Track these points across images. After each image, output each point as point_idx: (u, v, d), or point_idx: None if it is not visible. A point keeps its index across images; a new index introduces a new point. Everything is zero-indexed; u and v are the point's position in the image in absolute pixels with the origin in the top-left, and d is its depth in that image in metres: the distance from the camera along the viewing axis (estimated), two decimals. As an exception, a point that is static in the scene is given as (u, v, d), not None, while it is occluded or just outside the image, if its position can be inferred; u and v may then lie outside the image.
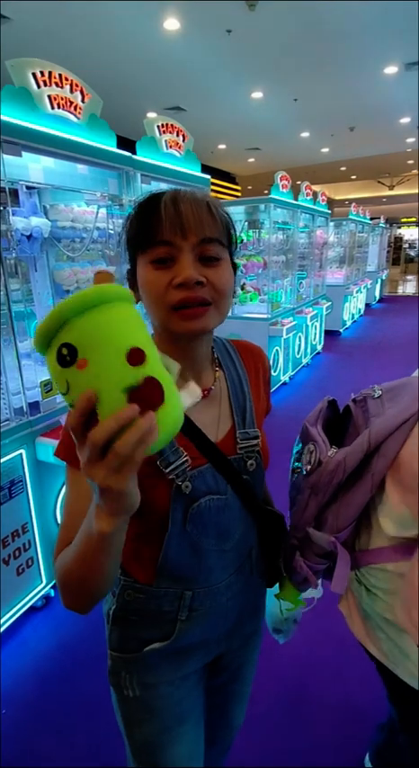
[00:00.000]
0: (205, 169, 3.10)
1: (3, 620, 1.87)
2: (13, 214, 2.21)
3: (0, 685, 1.72)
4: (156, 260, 0.64)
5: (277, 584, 0.98)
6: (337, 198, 19.38)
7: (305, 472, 0.87)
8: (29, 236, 2.30)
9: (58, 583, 0.60)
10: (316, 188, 6.15)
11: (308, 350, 6.03)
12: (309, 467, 0.86)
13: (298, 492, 0.90)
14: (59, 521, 2.10)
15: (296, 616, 1.05)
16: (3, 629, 1.88)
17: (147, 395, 0.40)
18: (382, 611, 0.88)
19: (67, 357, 0.39)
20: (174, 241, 0.63)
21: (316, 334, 6.36)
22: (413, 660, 0.84)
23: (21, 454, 1.87)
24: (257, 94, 7.56)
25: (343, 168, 14.88)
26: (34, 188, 2.42)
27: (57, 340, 0.39)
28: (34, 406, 1.95)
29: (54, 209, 2.49)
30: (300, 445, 0.93)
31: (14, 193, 1.94)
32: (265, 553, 0.92)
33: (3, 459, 1.79)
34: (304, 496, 0.87)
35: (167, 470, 0.70)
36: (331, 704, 1.64)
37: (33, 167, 2.04)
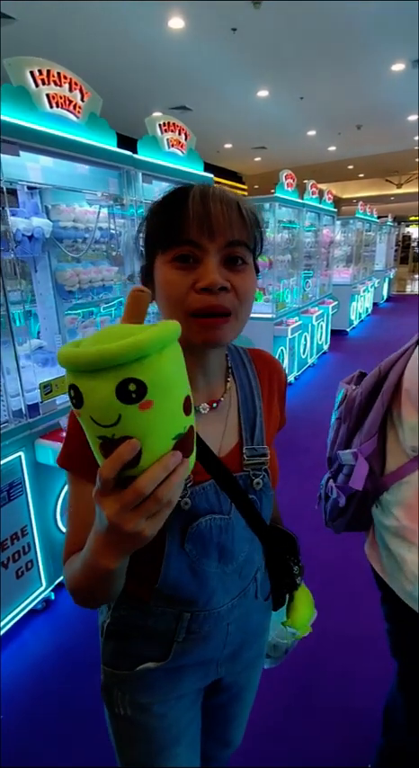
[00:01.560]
0: (211, 168, 3.08)
1: (2, 624, 1.85)
2: (14, 215, 2.20)
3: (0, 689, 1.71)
4: (178, 257, 0.60)
5: (283, 610, 0.92)
6: (344, 196, 19.26)
7: (337, 406, 1.10)
8: (30, 237, 2.29)
9: (68, 588, 0.61)
10: (322, 186, 6.10)
11: (314, 350, 5.98)
12: (340, 402, 1.09)
13: (332, 428, 1.12)
14: (60, 524, 2.09)
15: (289, 647, 0.99)
16: (2, 632, 1.86)
17: (187, 442, 0.41)
18: (389, 523, 0.98)
19: (133, 394, 0.36)
20: (200, 242, 0.59)
21: (322, 333, 6.30)
22: (407, 575, 0.94)
23: (20, 456, 1.86)
24: (263, 93, 7.52)
25: (350, 167, 14.78)
26: (35, 188, 2.41)
27: (125, 372, 0.36)
28: (34, 408, 1.94)
29: (55, 210, 2.48)
30: (340, 396, 1.13)
31: (13, 194, 1.92)
32: (273, 576, 0.88)
33: (2, 462, 1.78)
34: (336, 426, 1.09)
35: None
36: (335, 706, 1.61)
37: (32, 167, 2.02)
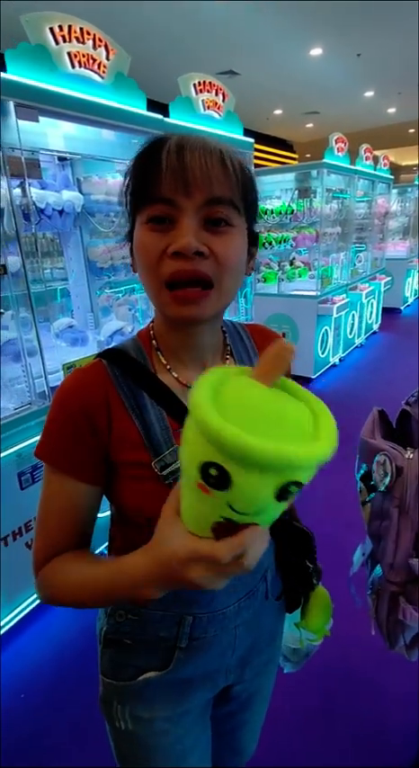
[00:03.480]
0: (259, 137, 2.87)
1: (26, 604, 1.86)
2: (43, 188, 2.12)
3: (13, 672, 1.71)
4: (152, 218, 0.54)
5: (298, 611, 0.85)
6: (403, 164, 17.98)
7: (384, 488, 0.74)
8: (61, 212, 2.21)
9: (54, 597, 0.60)
10: (379, 152, 5.63)
11: (363, 329, 5.64)
12: (388, 479, 0.74)
13: (381, 520, 0.76)
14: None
15: (310, 649, 0.92)
16: (27, 612, 1.87)
17: None
18: None
19: (289, 495, 0.35)
20: (175, 199, 0.52)
21: (372, 312, 5.92)
22: None
23: (43, 438, 1.82)
24: (316, 51, 6.99)
25: (411, 130, 13.67)
26: (66, 159, 2.31)
27: (294, 475, 0.34)
28: (57, 390, 1.89)
29: (87, 182, 2.38)
30: (364, 466, 0.80)
31: (36, 164, 1.82)
32: (286, 575, 0.80)
33: (25, 444, 1.75)
34: (392, 521, 0.74)
35: (164, 473, 0.59)
36: (360, 716, 1.50)
37: (53, 134, 1.92)
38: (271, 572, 0.77)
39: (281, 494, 0.34)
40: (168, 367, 0.64)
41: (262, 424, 0.33)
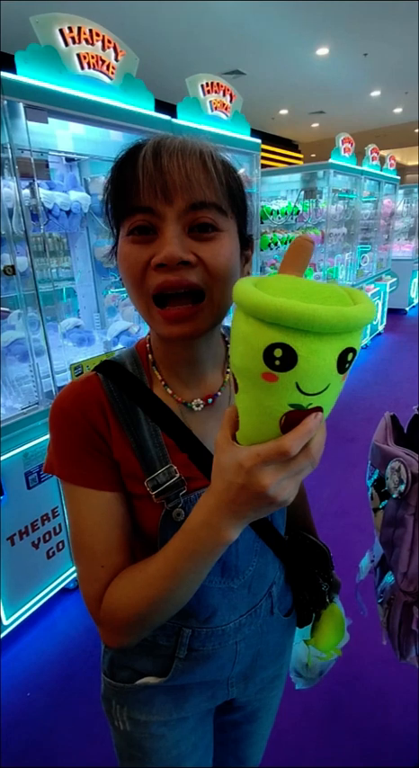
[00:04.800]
0: (265, 137, 2.86)
1: (32, 603, 1.87)
2: (51, 188, 2.13)
3: (19, 671, 1.72)
4: (134, 229, 0.50)
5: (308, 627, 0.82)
6: (409, 164, 17.89)
7: (398, 495, 0.71)
8: (68, 212, 2.22)
9: (125, 624, 0.54)
10: (386, 153, 5.61)
11: (368, 330, 5.62)
12: (403, 486, 0.71)
13: (395, 527, 0.73)
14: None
15: (323, 668, 0.88)
16: (32, 611, 1.88)
17: None
18: None
19: (347, 364, 0.36)
20: (155, 207, 0.49)
21: (377, 313, 5.90)
22: None
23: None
24: (322, 51, 6.95)
25: (417, 130, 13.61)
26: (73, 160, 2.32)
27: (349, 340, 0.35)
28: (64, 390, 1.89)
29: (94, 182, 2.39)
30: (377, 472, 0.78)
31: (45, 165, 1.83)
32: (297, 591, 0.78)
33: (32, 444, 1.75)
34: (407, 529, 0.71)
35: (155, 492, 0.57)
36: (362, 720, 1.50)
37: (62, 135, 1.92)
38: (278, 587, 0.75)
39: (341, 363, 0.35)
40: (163, 383, 0.61)
41: (312, 297, 0.34)
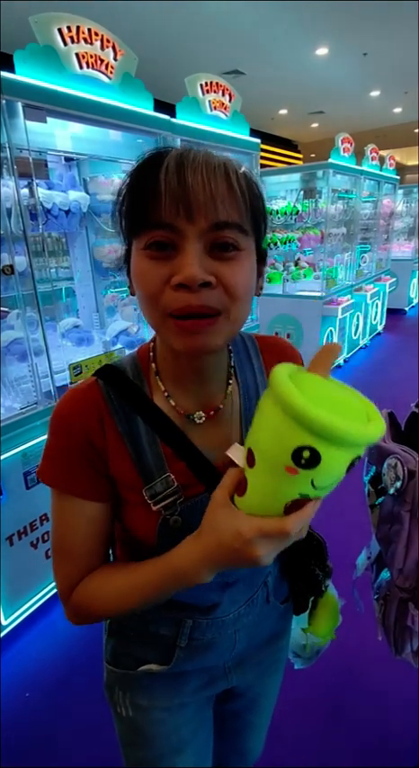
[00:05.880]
0: (264, 137, 2.86)
1: (31, 603, 1.87)
2: (50, 188, 2.13)
3: (18, 671, 1.72)
4: (152, 245, 0.48)
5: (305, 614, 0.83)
6: (409, 163, 17.89)
7: (394, 491, 0.73)
8: (67, 212, 2.22)
9: (98, 618, 0.62)
10: (385, 152, 5.61)
11: (367, 330, 5.62)
12: (399, 483, 0.73)
13: (391, 524, 0.75)
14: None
15: (320, 649, 0.91)
16: (31, 611, 1.88)
17: None
18: None
19: (351, 468, 0.42)
20: (177, 224, 0.47)
21: (376, 313, 5.90)
22: None
23: (49, 438, 1.83)
24: (322, 51, 6.96)
25: (416, 130, 13.61)
26: (72, 159, 2.32)
27: (360, 450, 0.41)
28: (63, 390, 1.89)
29: (93, 182, 2.39)
30: (373, 468, 0.79)
31: (44, 164, 1.82)
32: (293, 580, 0.79)
33: (31, 443, 1.75)
34: (403, 525, 0.73)
35: (152, 501, 0.57)
36: (362, 719, 1.50)
37: (61, 135, 1.92)
38: (273, 577, 0.76)
39: (350, 466, 0.41)
40: (166, 394, 0.61)
41: (341, 411, 0.39)
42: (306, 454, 0.38)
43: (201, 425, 0.61)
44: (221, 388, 0.64)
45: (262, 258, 0.58)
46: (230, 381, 0.65)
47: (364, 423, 0.40)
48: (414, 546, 0.69)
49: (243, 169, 0.51)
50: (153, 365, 0.62)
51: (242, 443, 0.61)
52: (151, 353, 0.63)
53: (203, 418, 0.61)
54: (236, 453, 0.49)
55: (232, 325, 0.52)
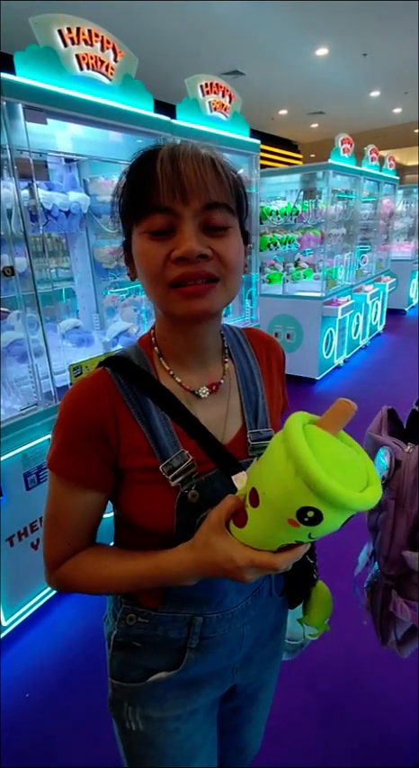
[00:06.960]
0: (264, 137, 2.86)
1: (31, 604, 1.87)
2: (50, 189, 2.13)
3: (18, 672, 1.72)
4: (151, 228, 0.55)
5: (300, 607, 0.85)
6: (409, 164, 17.89)
7: (383, 481, 0.76)
8: (67, 213, 2.22)
9: (82, 591, 0.65)
10: (385, 153, 5.61)
11: (367, 331, 5.62)
12: (386, 472, 0.77)
13: (379, 512, 0.79)
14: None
15: (305, 642, 0.94)
16: (32, 612, 1.88)
17: None
18: None
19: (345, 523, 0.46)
20: (174, 207, 0.54)
21: (376, 313, 5.90)
22: None
23: (49, 439, 1.83)
24: (322, 51, 6.95)
25: (416, 130, 13.61)
26: (72, 161, 2.32)
27: (355, 512, 0.44)
28: (63, 391, 1.89)
29: (94, 183, 2.39)
30: None
31: (44, 165, 1.82)
32: (288, 572, 0.79)
33: (31, 445, 1.76)
34: (389, 513, 0.76)
35: (171, 476, 0.61)
36: (362, 718, 1.50)
37: (61, 136, 1.92)
38: None
39: (345, 524, 0.45)
40: (171, 372, 0.66)
41: (349, 477, 0.43)
42: (310, 514, 0.41)
43: (206, 400, 0.67)
44: (219, 367, 0.70)
45: (246, 238, 0.64)
46: (226, 360, 0.72)
47: (365, 488, 0.44)
48: (398, 533, 0.72)
49: (225, 159, 0.59)
50: (156, 348, 0.67)
51: (243, 417, 0.70)
52: (153, 339, 0.68)
53: (207, 393, 0.67)
54: (241, 481, 0.55)
55: (227, 292, 0.59)
